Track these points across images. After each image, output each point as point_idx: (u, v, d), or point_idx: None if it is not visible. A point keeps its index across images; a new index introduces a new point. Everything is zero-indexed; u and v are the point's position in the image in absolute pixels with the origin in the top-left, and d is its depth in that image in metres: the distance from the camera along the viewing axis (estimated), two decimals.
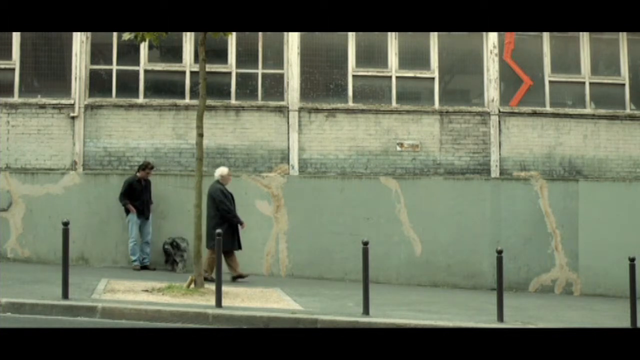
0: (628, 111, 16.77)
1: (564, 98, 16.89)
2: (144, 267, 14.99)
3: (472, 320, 11.42)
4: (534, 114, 16.48)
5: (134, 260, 14.94)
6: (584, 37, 16.72)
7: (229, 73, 15.91)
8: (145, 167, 15.05)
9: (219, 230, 11.70)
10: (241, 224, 14.14)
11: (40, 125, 15.47)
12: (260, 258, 15.58)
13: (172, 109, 15.71)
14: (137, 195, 14.95)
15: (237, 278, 14.12)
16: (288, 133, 15.88)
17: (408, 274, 15.82)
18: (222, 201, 13.96)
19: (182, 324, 10.31)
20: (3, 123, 15.40)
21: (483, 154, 16.29)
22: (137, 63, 15.73)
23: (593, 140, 16.60)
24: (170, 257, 15.05)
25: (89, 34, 15.55)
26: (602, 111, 16.70)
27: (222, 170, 14.42)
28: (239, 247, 14.18)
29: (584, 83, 16.74)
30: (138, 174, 15.04)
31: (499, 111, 16.36)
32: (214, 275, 13.35)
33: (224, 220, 13.85)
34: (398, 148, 16.14)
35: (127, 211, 14.95)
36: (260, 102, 15.92)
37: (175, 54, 15.88)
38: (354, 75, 16.18)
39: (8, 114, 15.44)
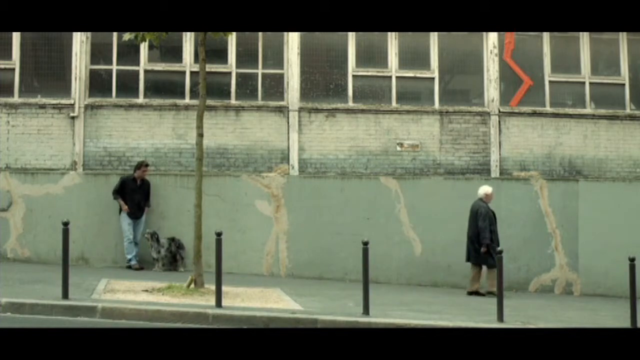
0: (628, 111, 16.77)
1: (564, 98, 16.88)
2: (128, 267, 14.92)
3: (472, 320, 11.42)
4: (534, 114, 16.48)
5: (129, 259, 14.92)
6: (584, 37, 16.72)
7: (229, 73, 15.91)
8: (140, 165, 15.06)
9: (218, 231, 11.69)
10: (486, 245, 14.38)
11: (40, 125, 15.47)
12: (260, 258, 15.57)
13: (172, 109, 15.71)
14: (129, 193, 14.95)
15: (473, 294, 14.50)
16: (288, 133, 15.88)
17: (408, 274, 15.82)
18: (484, 220, 14.46)
19: (182, 324, 10.30)
20: (3, 123, 15.40)
21: (483, 154, 16.28)
22: (137, 63, 15.73)
23: (593, 140, 16.60)
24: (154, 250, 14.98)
25: (89, 34, 15.55)
26: (602, 111, 16.69)
27: (486, 189, 14.89)
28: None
29: (584, 83, 16.73)
30: (135, 174, 15.07)
31: (499, 111, 16.35)
32: (481, 290, 14.42)
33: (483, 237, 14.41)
34: (398, 148, 16.13)
35: (121, 210, 14.98)
36: (260, 102, 15.92)
37: (175, 54, 15.88)
38: (354, 75, 16.17)
39: (8, 114, 15.44)
